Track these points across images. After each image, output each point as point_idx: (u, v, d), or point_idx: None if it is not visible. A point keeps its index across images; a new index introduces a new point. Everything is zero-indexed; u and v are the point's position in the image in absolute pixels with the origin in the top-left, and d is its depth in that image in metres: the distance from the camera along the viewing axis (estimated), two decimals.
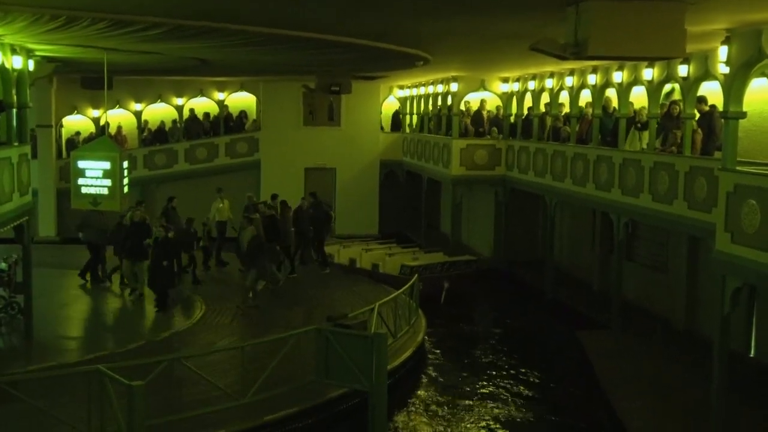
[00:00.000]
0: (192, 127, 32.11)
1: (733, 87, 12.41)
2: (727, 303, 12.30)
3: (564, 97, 22.28)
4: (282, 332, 14.63)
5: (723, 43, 12.86)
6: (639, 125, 17.62)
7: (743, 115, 12.64)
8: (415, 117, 33.27)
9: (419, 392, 15.56)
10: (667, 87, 17.78)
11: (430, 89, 29.72)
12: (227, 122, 32.50)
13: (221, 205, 24.08)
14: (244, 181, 30.26)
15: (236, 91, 32.37)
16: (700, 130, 15.64)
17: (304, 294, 20.68)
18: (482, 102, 27.17)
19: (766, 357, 15.35)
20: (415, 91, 32.30)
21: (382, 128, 33.39)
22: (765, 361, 15.32)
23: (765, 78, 14.06)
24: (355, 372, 12.67)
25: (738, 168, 12.37)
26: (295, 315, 18.61)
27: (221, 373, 13.29)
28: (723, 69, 13.26)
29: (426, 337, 18.20)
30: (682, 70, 15.57)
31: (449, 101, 27.29)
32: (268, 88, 31.48)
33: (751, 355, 15.81)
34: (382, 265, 23.93)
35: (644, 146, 17.55)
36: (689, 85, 15.60)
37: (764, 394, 13.85)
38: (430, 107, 30.35)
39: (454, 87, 26.48)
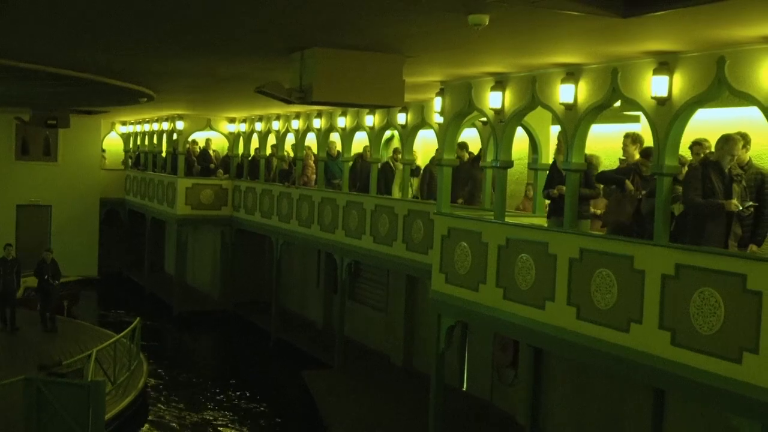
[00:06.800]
0: None
1: (447, 136, 13.19)
2: (443, 340, 12.95)
3: (290, 140, 22.61)
4: None
5: (438, 94, 13.65)
6: (410, 171, 17.52)
7: (455, 162, 13.47)
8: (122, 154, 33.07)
9: None
10: (387, 134, 18.59)
11: (155, 126, 29.04)
12: None
13: None
14: None
15: None
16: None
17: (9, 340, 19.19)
18: (207, 141, 26.95)
19: (477, 390, 16.30)
20: (138, 128, 31.42)
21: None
22: (475, 395, 16.27)
23: (475, 128, 15.08)
24: (70, 423, 11.97)
25: (452, 212, 13.13)
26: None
27: None
28: (438, 119, 14.09)
29: (149, 381, 17.57)
30: (401, 118, 16.34)
31: (175, 139, 26.82)
32: None
33: (464, 389, 16.72)
34: None
35: (416, 193, 17.00)
36: (407, 132, 16.40)
37: (474, 425, 14.71)
38: (155, 145, 29.66)
39: (179, 125, 26.04)
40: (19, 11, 9.02)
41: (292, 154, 22.42)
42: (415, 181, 17.21)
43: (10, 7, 8.78)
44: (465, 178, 14.58)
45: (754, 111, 8.55)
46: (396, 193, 17.32)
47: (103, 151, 33.23)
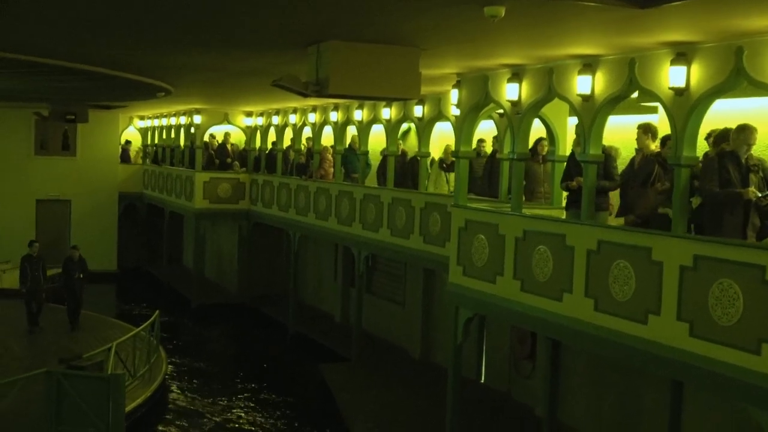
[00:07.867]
0: None
1: (464, 128, 13.16)
2: (460, 333, 12.94)
3: (307, 133, 22.65)
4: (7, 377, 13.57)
5: (454, 86, 13.61)
6: (445, 166, 16.95)
7: (474, 154, 13.44)
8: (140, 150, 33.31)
9: (162, 430, 15.07)
10: (404, 126, 18.57)
11: (173, 121, 29.15)
12: None
13: None
14: None
15: None
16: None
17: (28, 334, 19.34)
18: (226, 135, 27.07)
19: (495, 383, 16.29)
20: (156, 122, 31.54)
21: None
22: (493, 387, 16.26)
23: (492, 120, 15.04)
24: (90, 416, 12.06)
25: (469, 205, 13.11)
26: (20, 357, 17.36)
27: None
28: (454, 111, 14.06)
29: (168, 374, 17.68)
30: (418, 111, 16.32)
31: (192, 133, 26.92)
32: None
33: (482, 382, 16.71)
34: None
35: (452, 188, 16.12)
36: (423, 125, 16.38)
37: (492, 418, 14.71)
38: (172, 139, 29.78)
39: (197, 119, 26.14)
40: (20, 9, 9.07)
41: (307, 146, 22.45)
42: (452, 176, 17.03)
43: (10, 6, 8.83)
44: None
45: (764, 101, 8.48)
46: (431, 188, 16.95)
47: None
